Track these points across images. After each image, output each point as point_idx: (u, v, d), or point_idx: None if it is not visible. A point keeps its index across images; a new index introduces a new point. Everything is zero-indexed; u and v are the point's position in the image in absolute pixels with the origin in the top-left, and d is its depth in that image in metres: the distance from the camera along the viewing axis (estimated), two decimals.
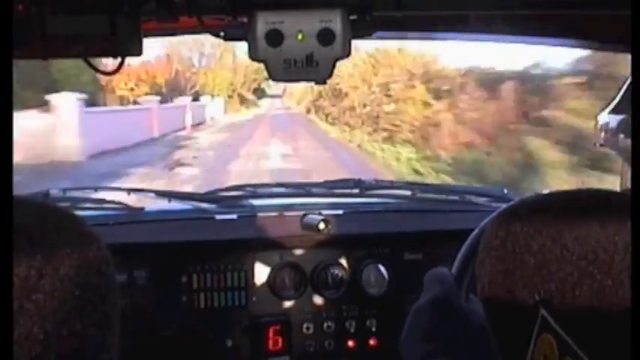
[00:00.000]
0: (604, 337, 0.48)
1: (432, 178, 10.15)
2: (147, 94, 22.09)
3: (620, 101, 1.11)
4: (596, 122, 1.15)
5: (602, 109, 1.14)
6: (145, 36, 0.82)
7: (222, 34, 0.91)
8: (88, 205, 1.61)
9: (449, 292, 0.83)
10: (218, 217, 1.59)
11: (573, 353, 0.49)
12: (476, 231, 0.88)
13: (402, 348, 0.84)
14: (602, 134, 1.13)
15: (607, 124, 1.12)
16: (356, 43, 0.85)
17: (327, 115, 23.10)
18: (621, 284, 0.48)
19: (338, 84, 18.46)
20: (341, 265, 1.47)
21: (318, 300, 1.46)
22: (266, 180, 3.55)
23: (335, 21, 0.80)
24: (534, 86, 10.03)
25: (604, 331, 0.48)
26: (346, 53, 0.82)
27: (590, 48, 1.19)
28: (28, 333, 0.45)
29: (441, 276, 0.86)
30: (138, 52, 0.82)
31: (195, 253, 1.42)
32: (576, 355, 0.49)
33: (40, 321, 0.46)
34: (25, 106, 11.73)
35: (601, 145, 1.14)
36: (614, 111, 1.11)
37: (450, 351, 0.78)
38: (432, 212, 1.70)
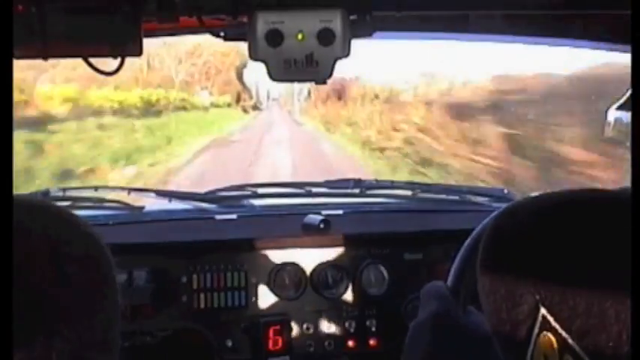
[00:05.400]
0: (604, 337, 0.48)
1: None
2: None
3: (629, 97, 1.11)
4: (605, 116, 1.14)
5: (614, 104, 1.14)
6: (145, 36, 0.82)
7: (222, 34, 0.91)
8: (87, 204, 1.61)
9: (447, 307, 0.82)
10: (218, 217, 1.59)
11: (573, 352, 0.49)
12: (467, 242, 0.88)
13: None
14: (612, 128, 1.13)
15: (618, 119, 1.12)
16: None
17: None
18: (622, 283, 0.48)
19: None
20: (341, 265, 1.47)
21: (318, 300, 1.46)
22: None
23: (335, 21, 0.80)
24: None
25: (604, 330, 0.48)
26: (346, 53, 0.82)
27: (590, 48, 1.19)
28: (29, 334, 0.45)
29: (437, 291, 0.85)
30: (138, 52, 0.82)
31: (195, 253, 1.42)
32: (576, 354, 0.49)
33: (41, 322, 0.46)
34: None
35: (609, 138, 1.13)
36: (623, 107, 1.11)
37: None
38: (432, 212, 1.70)
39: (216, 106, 28.35)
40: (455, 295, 0.84)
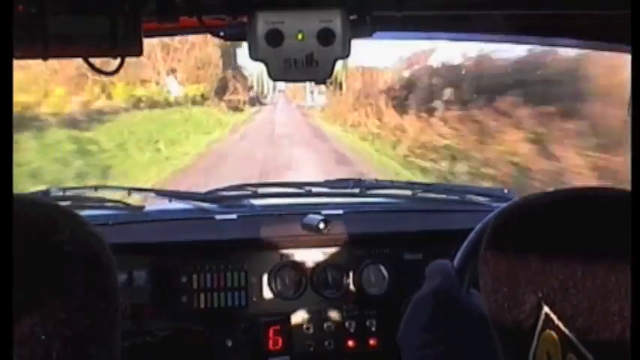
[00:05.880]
0: (607, 334, 0.48)
1: None
2: None
3: None
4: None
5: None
6: (145, 36, 0.82)
7: (222, 34, 0.91)
8: (88, 204, 1.61)
9: (450, 284, 0.83)
10: (218, 217, 1.59)
11: (576, 350, 0.49)
12: (478, 226, 0.88)
13: (401, 337, 0.84)
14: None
15: None
16: None
17: None
18: (624, 281, 0.48)
19: None
20: (341, 265, 1.47)
21: (318, 300, 1.46)
22: None
23: (335, 21, 0.80)
24: None
25: (607, 327, 0.48)
26: (346, 53, 0.82)
27: (590, 48, 1.19)
28: (29, 333, 0.45)
29: (442, 268, 0.86)
30: (138, 52, 0.82)
31: (195, 253, 1.42)
32: (579, 352, 0.49)
33: (42, 321, 0.46)
34: None
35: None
36: None
37: (449, 341, 0.78)
38: (432, 212, 1.70)
39: (167, 104, 15.50)
40: (460, 275, 0.85)
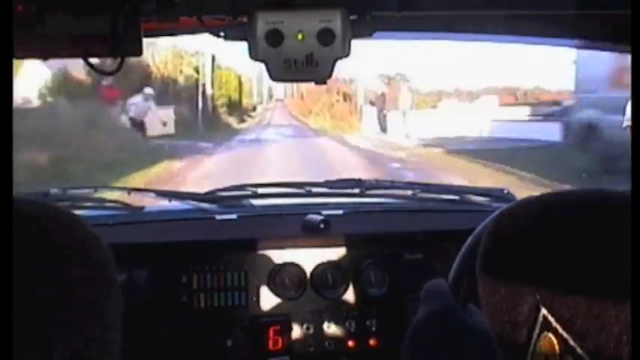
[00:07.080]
0: (604, 337, 0.48)
1: None
2: None
3: None
4: (624, 107, 1.14)
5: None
6: (145, 36, 0.82)
7: (222, 34, 0.91)
8: (88, 204, 1.61)
9: (448, 305, 0.82)
10: (218, 217, 1.59)
11: (574, 353, 0.49)
12: (469, 240, 0.88)
13: None
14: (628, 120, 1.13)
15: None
16: None
17: None
18: (623, 283, 0.48)
19: None
20: (341, 265, 1.47)
21: (318, 300, 1.46)
22: None
23: (335, 21, 0.81)
24: None
25: (604, 330, 0.48)
26: (346, 53, 0.82)
27: (590, 48, 1.19)
28: (28, 334, 0.45)
29: (437, 289, 0.85)
30: (138, 52, 0.82)
31: (195, 253, 1.42)
32: (577, 354, 0.49)
33: (41, 321, 0.46)
34: None
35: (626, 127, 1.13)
36: None
37: None
38: (432, 212, 1.70)
39: None
40: (456, 293, 0.84)
